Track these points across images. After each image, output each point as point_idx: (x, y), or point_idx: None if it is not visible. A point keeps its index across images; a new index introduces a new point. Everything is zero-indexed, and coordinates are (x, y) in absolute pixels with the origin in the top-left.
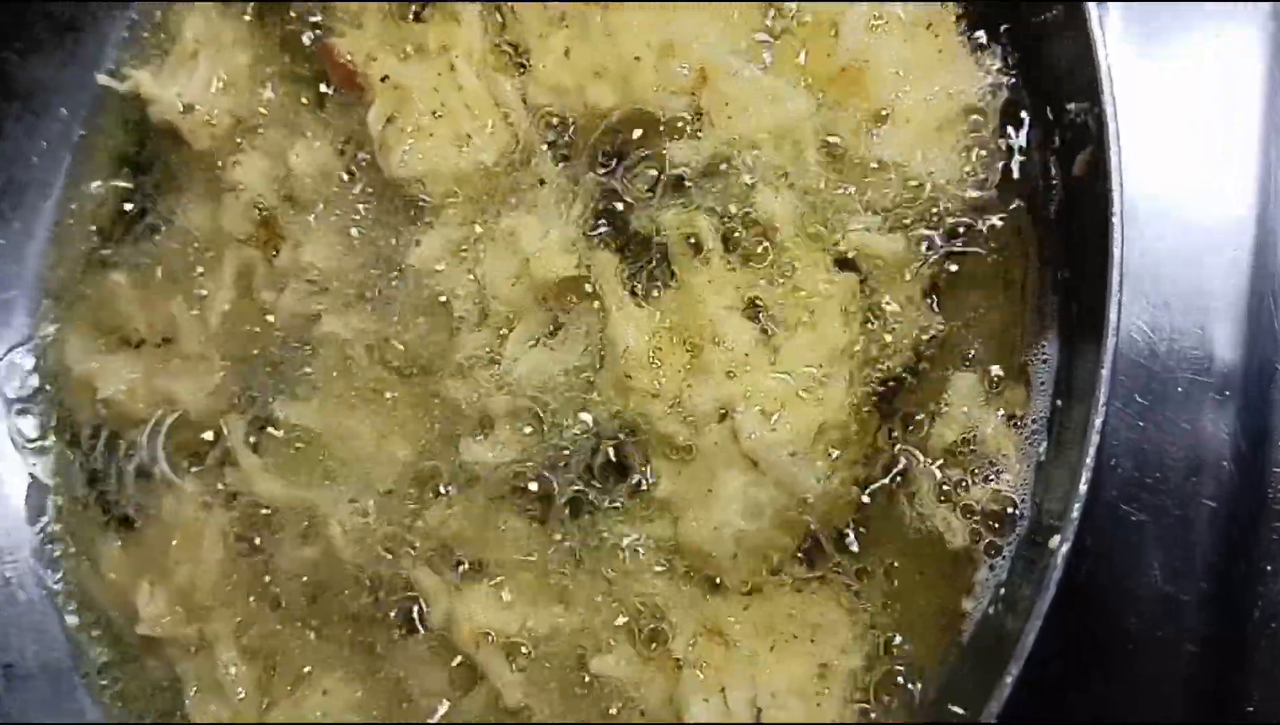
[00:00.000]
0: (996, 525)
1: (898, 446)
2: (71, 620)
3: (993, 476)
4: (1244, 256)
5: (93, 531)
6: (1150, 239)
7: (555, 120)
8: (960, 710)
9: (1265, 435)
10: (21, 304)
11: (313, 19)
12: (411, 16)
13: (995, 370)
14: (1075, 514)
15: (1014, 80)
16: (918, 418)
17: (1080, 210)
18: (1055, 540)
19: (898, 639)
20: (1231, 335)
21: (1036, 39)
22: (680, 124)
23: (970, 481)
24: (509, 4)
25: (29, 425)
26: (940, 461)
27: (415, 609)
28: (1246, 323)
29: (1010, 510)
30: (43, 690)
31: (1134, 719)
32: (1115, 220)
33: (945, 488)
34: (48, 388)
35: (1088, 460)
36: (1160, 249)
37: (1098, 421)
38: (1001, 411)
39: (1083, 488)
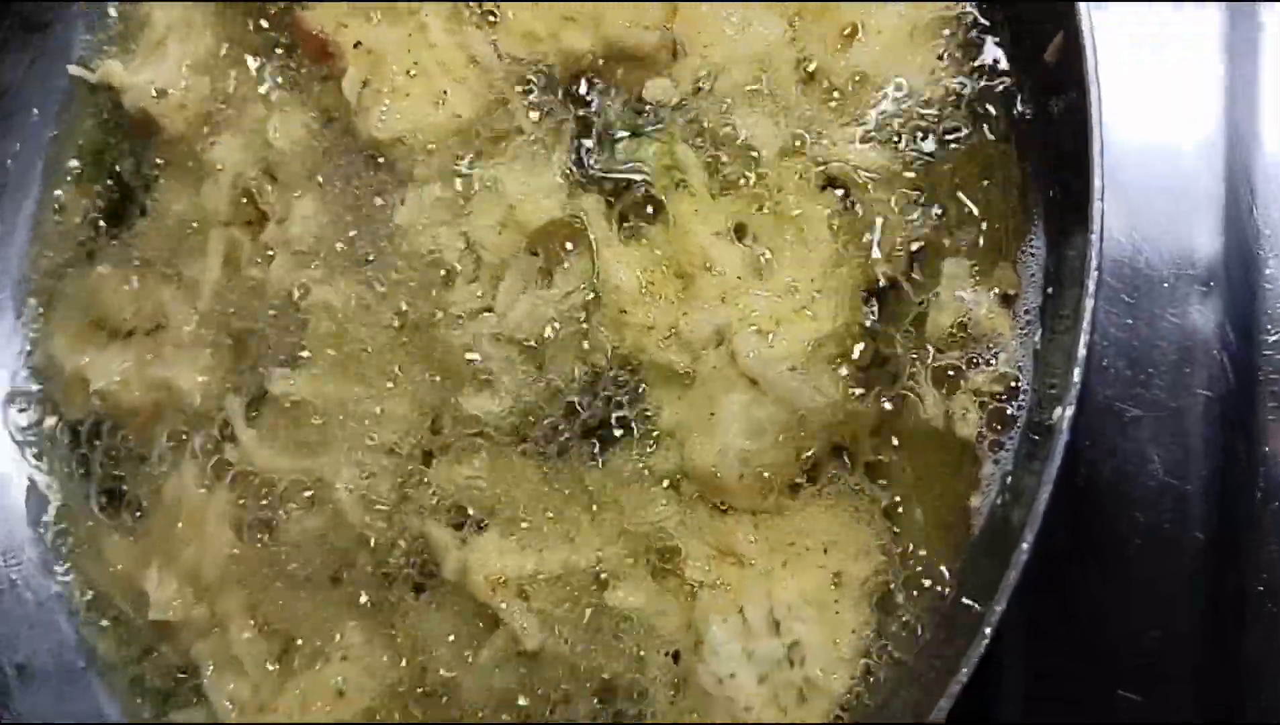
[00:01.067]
0: (999, 426)
1: (896, 350)
2: (81, 616)
3: (992, 359)
4: (1217, 156)
5: (95, 524)
6: (1124, 145)
7: (531, 68)
8: (974, 603)
9: (1252, 321)
10: (8, 305)
11: None
12: None
13: (984, 252)
14: (1076, 377)
15: None
16: (912, 318)
17: (1056, 96)
18: (1058, 412)
19: (909, 543)
20: (1211, 228)
21: None
22: (656, 58)
23: (968, 367)
24: None
25: (24, 423)
26: (938, 351)
27: (428, 564)
28: (1224, 214)
29: (1011, 400)
30: (57, 688)
31: (1144, 614)
32: (1092, 90)
33: (946, 377)
34: (40, 385)
35: (1084, 321)
36: (1134, 154)
37: (1091, 285)
38: (994, 291)
39: (1082, 351)
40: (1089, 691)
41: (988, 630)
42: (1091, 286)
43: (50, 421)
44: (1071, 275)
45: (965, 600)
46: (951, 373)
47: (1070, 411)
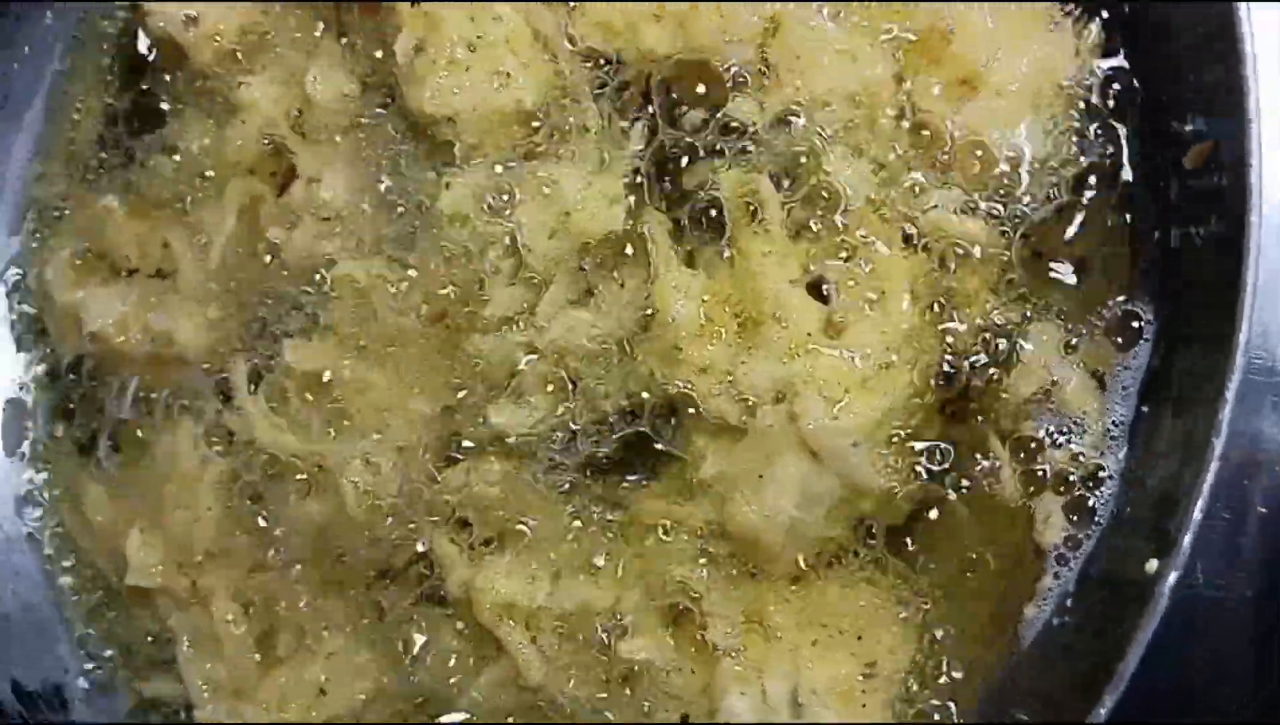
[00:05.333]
0: (1070, 542)
1: (968, 433)
2: (53, 561)
3: (1073, 437)
4: None
5: (76, 470)
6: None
7: (603, 62)
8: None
9: None
10: (2, 222)
11: None
12: None
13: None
14: (1186, 544)
15: (1120, 57)
16: (990, 398)
17: (1191, 208)
18: (1153, 564)
19: (949, 643)
20: None
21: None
22: (743, 77)
23: (1047, 443)
24: None
25: (9, 347)
26: (1015, 422)
27: (431, 576)
28: None
29: (1086, 517)
30: (24, 633)
31: None
32: (1251, 231)
33: (1020, 452)
34: (30, 311)
35: (1207, 479)
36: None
37: (1219, 444)
38: (1082, 365)
39: (1197, 515)
40: None
41: None
42: (1217, 450)
43: (37, 351)
44: (1186, 401)
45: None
46: (1027, 441)
47: (1174, 578)
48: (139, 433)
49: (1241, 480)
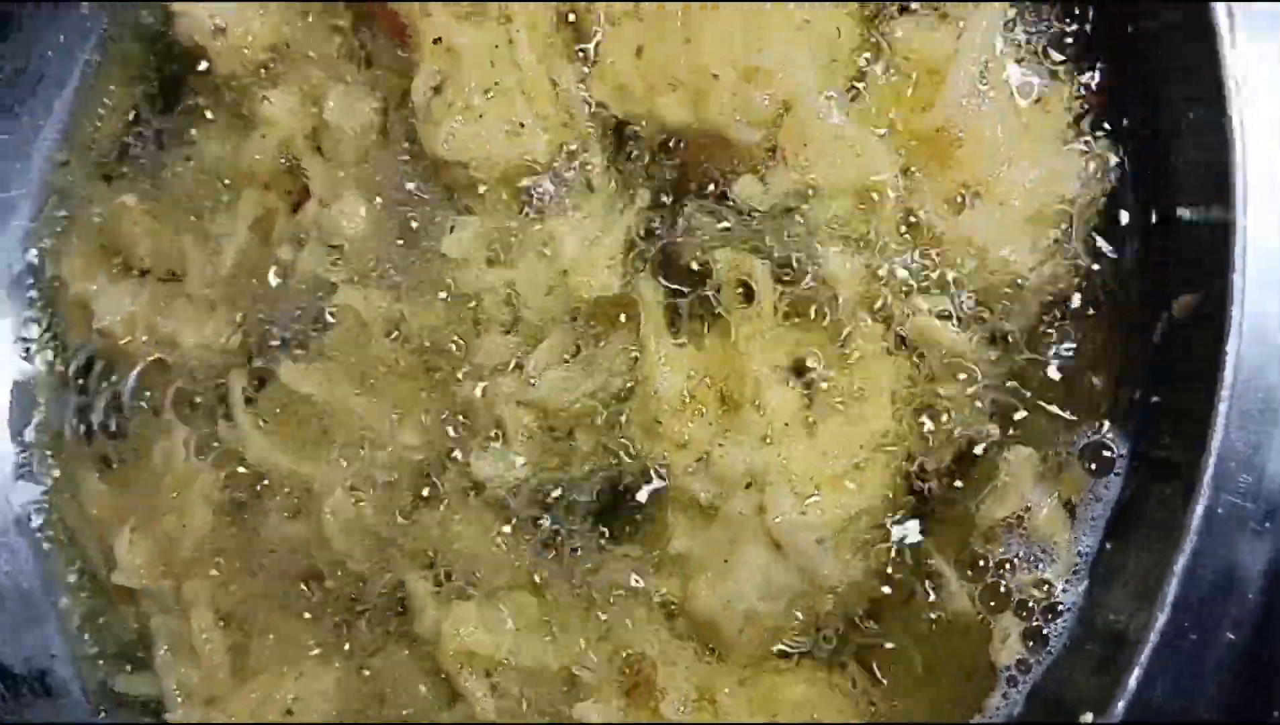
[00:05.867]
0: (1023, 666)
1: (935, 539)
2: (46, 543)
3: (1040, 565)
4: None
5: (77, 460)
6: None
7: (615, 123)
8: None
9: None
10: (24, 207)
11: None
12: None
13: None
14: (1120, 709)
15: (1126, 184)
16: (958, 508)
17: (1177, 349)
18: (1088, 718)
19: None
20: None
21: (1162, 142)
22: (750, 157)
23: (1013, 566)
24: None
25: (20, 329)
26: (984, 542)
27: (402, 611)
28: None
29: (1037, 645)
30: (12, 615)
31: None
32: (1224, 393)
33: (983, 570)
34: (42, 297)
35: (1149, 644)
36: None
37: (1171, 593)
38: (1057, 496)
39: (1132, 684)
40: None
41: None
42: (1169, 600)
43: (46, 337)
44: (1147, 540)
45: None
46: (993, 569)
47: None
48: (140, 431)
49: (1213, 604)
